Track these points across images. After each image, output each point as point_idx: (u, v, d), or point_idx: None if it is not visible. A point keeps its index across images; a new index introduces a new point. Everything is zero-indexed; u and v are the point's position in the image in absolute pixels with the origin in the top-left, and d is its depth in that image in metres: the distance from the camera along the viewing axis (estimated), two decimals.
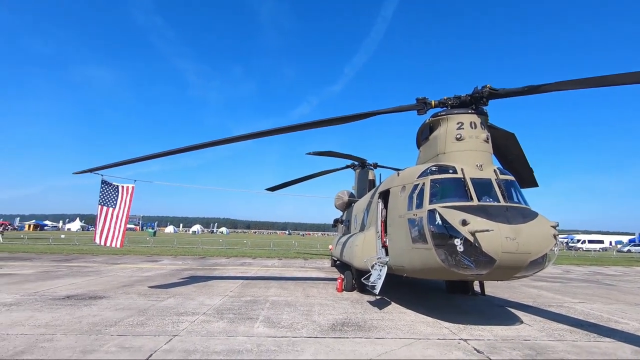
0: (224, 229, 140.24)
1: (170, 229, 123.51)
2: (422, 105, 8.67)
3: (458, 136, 7.88)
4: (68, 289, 10.62)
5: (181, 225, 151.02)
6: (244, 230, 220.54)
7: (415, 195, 7.75)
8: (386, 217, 9.90)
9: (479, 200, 6.99)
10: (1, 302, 8.64)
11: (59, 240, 38.56)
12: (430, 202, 7.28)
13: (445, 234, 6.63)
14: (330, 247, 18.62)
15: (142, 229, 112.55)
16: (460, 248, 6.21)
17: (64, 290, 10.50)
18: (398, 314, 8.55)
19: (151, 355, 5.28)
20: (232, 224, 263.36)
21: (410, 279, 10.64)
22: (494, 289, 12.75)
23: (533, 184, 10.83)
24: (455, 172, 7.48)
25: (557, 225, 6.58)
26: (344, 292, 11.52)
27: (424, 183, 7.65)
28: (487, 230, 6.00)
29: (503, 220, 6.25)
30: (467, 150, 7.81)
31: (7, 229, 41.05)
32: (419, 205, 7.54)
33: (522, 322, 8.05)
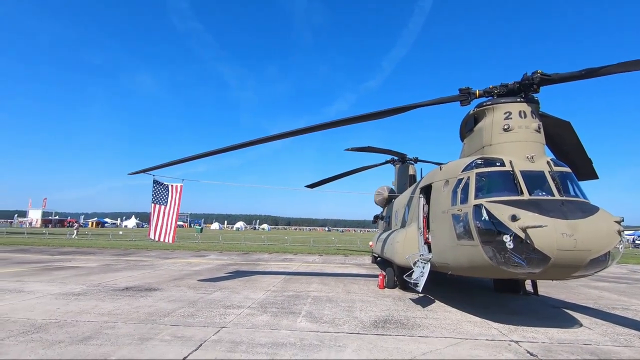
0: (265, 226, 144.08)
1: (215, 225, 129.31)
2: (465, 96, 8.27)
3: (506, 126, 7.42)
4: (127, 281, 11.48)
5: (225, 222, 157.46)
6: (285, 226, 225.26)
7: (459, 190, 7.44)
8: (428, 213, 9.63)
9: (530, 194, 6.55)
10: (71, 292, 9.55)
11: (118, 236, 41.83)
12: (476, 196, 6.95)
13: (493, 230, 6.30)
14: (370, 243, 18.46)
15: (190, 226, 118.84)
16: (510, 245, 5.86)
17: (123, 282, 11.37)
18: (443, 313, 8.29)
19: (201, 345, 5.57)
20: (273, 221, 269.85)
21: (455, 277, 10.26)
22: (548, 288, 11.95)
23: (592, 175, 9.96)
24: (503, 164, 7.06)
25: (622, 221, 5.99)
26: (386, 289, 11.38)
27: (469, 177, 7.31)
28: (540, 226, 5.60)
29: (558, 215, 5.80)
30: (516, 141, 7.34)
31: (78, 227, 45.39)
32: (464, 200, 7.23)
33: (581, 324, 7.47)
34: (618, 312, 9.00)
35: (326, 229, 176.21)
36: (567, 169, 7.15)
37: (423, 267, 8.67)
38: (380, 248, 14.26)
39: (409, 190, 12.12)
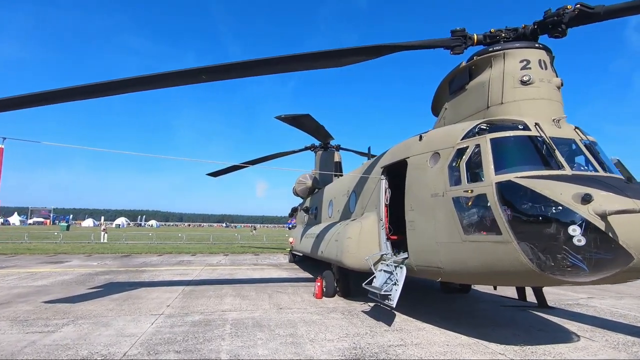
0: (153, 222, 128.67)
1: (88, 222, 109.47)
2: (459, 41, 6.25)
3: (525, 78, 5.60)
4: None
5: (102, 218, 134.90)
6: (176, 223, 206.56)
7: (463, 164, 5.34)
8: (390, 200, 7.44)
9: (571, 169, 4.80)
10: None
11: None
12: (498, 171, 4.92)
13: (543, 218, 4.30)
14: (290, 240, 15.84)
15: (54, 223, 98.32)
16: (578, 240, 3.92)
17: None
18: (418, 332, 6.15)
19: None
20: (163, 217, 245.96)
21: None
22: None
23: None
24: (526, 128, 5.20)
25: None
26: (324, 298, 8.88)
27: (478, 145, 5.26)
28: (633, 211, 3.75)
29: (637, 196, 4.09)
30: (538, 98, 5.57)
31: None
32: (475, 177, 5.15)
33: (577, 335, 6.16)
34: (578, 309, 8.24)
35: (224, 225, 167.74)
36: (594, 139, 5.67)
37: (394, 272, 6.38)
38: (309, 246, 11.70)
39: (356, 171, 9.84)
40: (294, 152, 19.10)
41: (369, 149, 12.45)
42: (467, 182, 5.21)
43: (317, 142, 18.27)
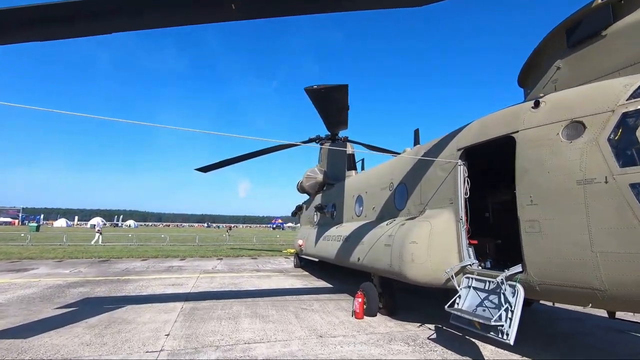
0: (131, 222, 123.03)
1: (61, 222, 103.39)
2: None
3: None
4: None
5: (76, 218, 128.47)
6: (155, 223, 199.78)
7: None
8: (468, 192, 5.65)
9: None
10: None
11: None
12: None
13: None
14: (300, 242, 13.87)
15: (24, 223, 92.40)
16: None
17: None
18: None
19: None
20: (141, 217, 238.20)
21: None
22: None
23: None
24: None
25: None
26: (365, 317, 7.05)
27: None
28: None
29: None
30: None
31: None
32: None
33: None
34: None
35: (205, 225, 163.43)
36: None
37: (501, 292, 4.57)
38: (332, 250, 9.83)
39: (407, 154, 7.95)
40: (296, 144, 17.15)
41: (416, 131, 10.53)
42: None
43: (322, 134, 16.60)
